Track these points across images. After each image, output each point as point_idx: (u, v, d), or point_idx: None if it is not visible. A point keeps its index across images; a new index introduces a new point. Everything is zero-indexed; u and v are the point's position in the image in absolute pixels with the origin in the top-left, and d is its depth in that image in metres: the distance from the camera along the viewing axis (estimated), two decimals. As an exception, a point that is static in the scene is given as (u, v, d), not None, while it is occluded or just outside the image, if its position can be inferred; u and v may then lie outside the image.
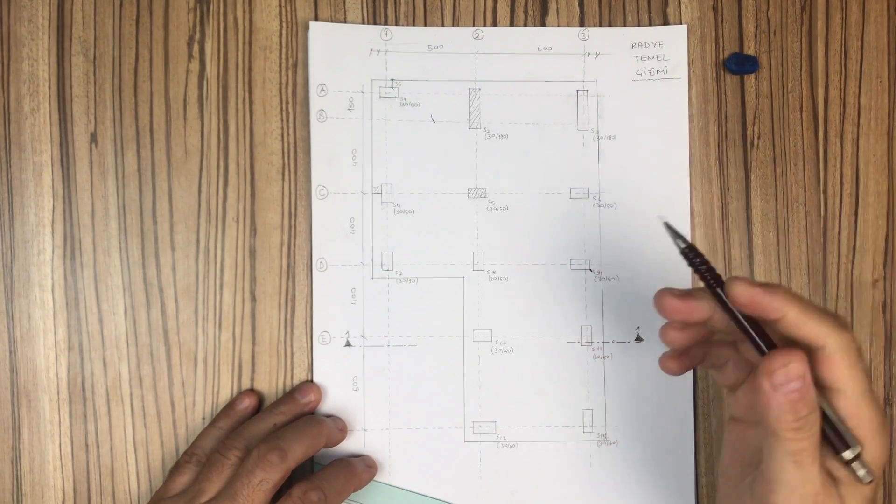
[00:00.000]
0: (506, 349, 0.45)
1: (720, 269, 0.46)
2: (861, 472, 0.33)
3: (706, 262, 0.35)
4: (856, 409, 0.33)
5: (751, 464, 0.37)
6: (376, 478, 0.45)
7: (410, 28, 0.46)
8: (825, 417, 0.33)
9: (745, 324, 0.34)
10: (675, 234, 0.36)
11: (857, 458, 0.33)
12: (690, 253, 0.35)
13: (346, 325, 0.45)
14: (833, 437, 0.33)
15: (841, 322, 0.33)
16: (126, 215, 0.45)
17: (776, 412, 0.31)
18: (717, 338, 0.38)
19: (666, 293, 0.36)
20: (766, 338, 0.34)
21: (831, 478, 0.33)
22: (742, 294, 0.33)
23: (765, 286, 0.33)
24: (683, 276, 0.46)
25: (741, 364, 0.37)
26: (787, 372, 0.31)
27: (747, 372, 0.37)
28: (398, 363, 0.45)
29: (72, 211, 0.45)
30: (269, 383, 0.45)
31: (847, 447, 0.32)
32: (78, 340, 0.45)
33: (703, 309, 0.35)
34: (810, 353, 0.33)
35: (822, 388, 0.33)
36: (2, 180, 0.45)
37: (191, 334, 0.45)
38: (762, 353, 0.34)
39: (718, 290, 0.34)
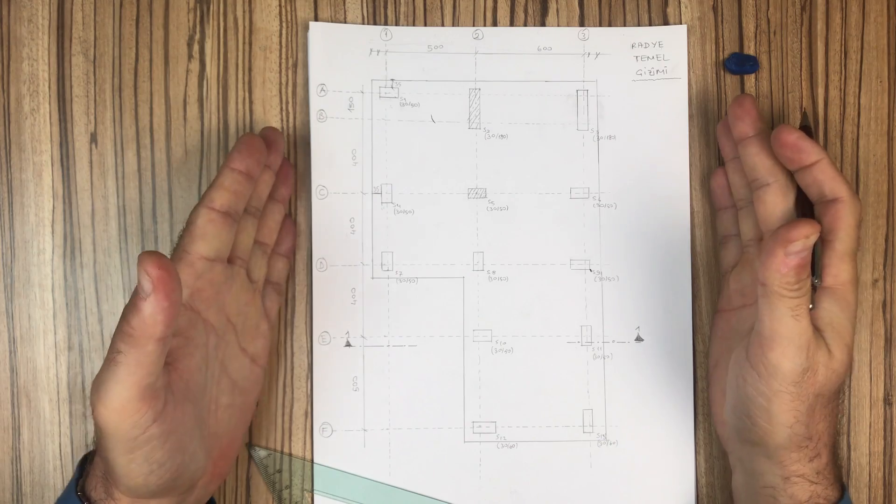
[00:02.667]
0: (506, 349, 0.45)
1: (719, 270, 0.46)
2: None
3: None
4: (838, 264, 0.37)
5: (730, 349, 0.41)
6: (376, 477, 0.45)
7: (410, 28, 0.46)
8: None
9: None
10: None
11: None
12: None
13: (346, 326, 0.45)
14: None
15: (854, 192, 0.38)
16: (126, 215, 0.45)
17: (783, 275, 0.35)
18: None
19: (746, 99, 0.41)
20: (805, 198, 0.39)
21: (818, 330, 0.37)
22: (787, 136, 0.38)
23: (801, 133, 0.38)
24: (684, 276, 0.46)
25: (739, 246, 0.43)
26: (806, 243, 0.35)
27: (739, 255, 0.43)
28: (398, 363, 0.45)
29: (72, 211, 0.45)
30: (269, 383, 0.45)
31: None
32: (78, 340, 0.45)
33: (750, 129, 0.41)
34: (824, 205, 0.38)
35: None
36: (2, 180, 0.45)
37: (191, 334, 0.45)
38: (799, 211, 0.39)
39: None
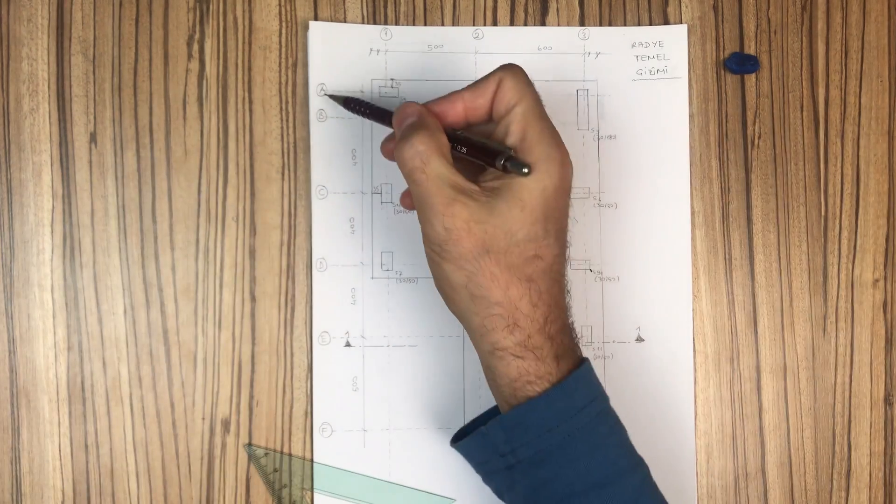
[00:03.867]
0: (506, 349, 0.45)
1: (720, 270, 0.46)
2: (510, 163, 0.35)
3: (366, 105, 0.42)
4: (522, 122, 0.36)
5: None
6: (375, 476, 0.45)
7: (410, 28, 0.46)
8: (474, 146, 0.37)
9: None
10: (337, 99, 0.43)
11: (509, 158, 0.36)
12: (354, 104, 0.42)
13: (346, 326, 0.45)
14: (476, 154, 0.37)
15: (510, 65, 0.38)
16: (126, 215, 0.45)
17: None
18: None
19: (386, 142, 0.42)
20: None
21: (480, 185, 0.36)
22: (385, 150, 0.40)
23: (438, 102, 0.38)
24: (684, 276, 0.46)
25: None
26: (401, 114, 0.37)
27: None
28: (398, 363, 0.45)
29: (71, 211, 0.45)
30: (269, 383, 0.45)
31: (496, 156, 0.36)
32: (77, 340, 0.44)
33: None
34: (502, 119, 0.37)
35: (500, 132, 0.37)
36: (2, 180, 0.45)
37: (190, 334, 0.45)
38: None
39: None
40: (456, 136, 0.38)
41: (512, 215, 0.35)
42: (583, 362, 0.37)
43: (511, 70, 0.37)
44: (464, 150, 0.37)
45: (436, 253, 0.36)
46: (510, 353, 0.36)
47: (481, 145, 0.37)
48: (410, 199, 0.39)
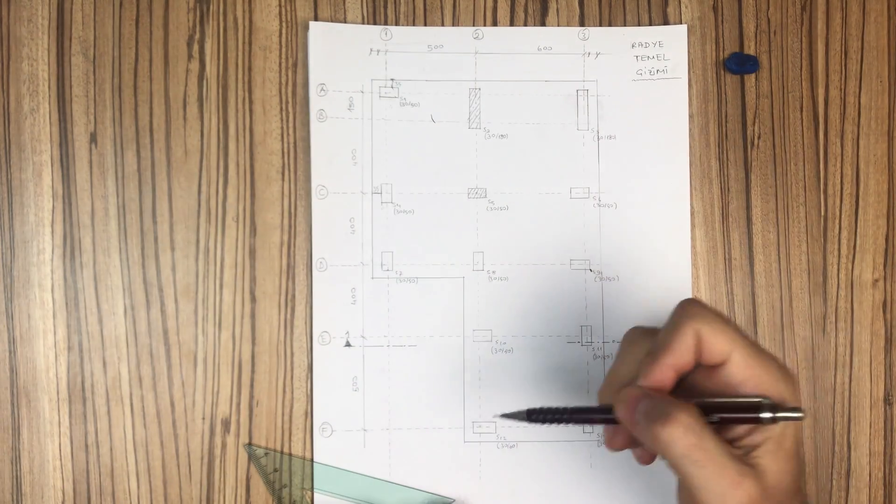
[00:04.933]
0: (506, 349, 0.45)
1: (720, 270, 0.46)
2: (780, 414, 0.32)
3: (558, 412, 0.36)
4: (748, 368, 0.33)
5: None
6: (375, 476, 0.45)
7: (410, 28, 0.46)
8: (718, 409, 0.33)
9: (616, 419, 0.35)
10: (515, 416, 0.36)
11: (771, 407, 0.32)
12: (538, 415, 0.36)
13: (346, 326, 0.45)
14: (736, 415, 0.33)
15: (694, 307, 0.34)
16: (126, 215, 0.45)
17: (640, 430, 0.32)
18: None
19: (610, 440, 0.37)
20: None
21: (739, 459, 0.33)
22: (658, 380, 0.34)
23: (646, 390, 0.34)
24: (684, 276, 0.45)
25: None
26: (623, 398, 0.33)
27: None
28: (398, 363, 0.45)
29: (71, 211, 0.45)
30: (269, 383, 0.45)
31: (756, 411, 0.32)
32: (78, 340, 0.44)
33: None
34: (723, 368, 0.33)
35: (724, 382, 0.33)
36: (2, 180, 0.45)
37: (191, 334, 0.45)
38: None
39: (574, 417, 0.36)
40: (704, 404, 0.33)
41: (783, 469, 0.33)
42: None
43: (702, 316, 0.33)
44: (717, 417, 0.33)
45: None
46: None
47: (735, 406, 0.33)
48: (622, 442, 0.37)
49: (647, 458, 0.37)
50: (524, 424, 0.44)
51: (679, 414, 0.32)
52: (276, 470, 0.45)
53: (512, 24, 0.46)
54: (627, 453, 0.45)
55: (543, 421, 0.36)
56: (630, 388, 0.34)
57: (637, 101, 0.46)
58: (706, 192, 0.46)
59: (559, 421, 0.36)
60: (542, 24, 0.46)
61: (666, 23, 0.46)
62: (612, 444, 0.37)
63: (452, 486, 0.45)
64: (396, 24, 0.46)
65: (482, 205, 0.46)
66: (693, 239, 0.46)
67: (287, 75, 0.45)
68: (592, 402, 0.45)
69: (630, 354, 0.36)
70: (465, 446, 0.45)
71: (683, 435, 0.32)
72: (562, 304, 0.45)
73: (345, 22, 0.46)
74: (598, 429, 0.45)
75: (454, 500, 0.45)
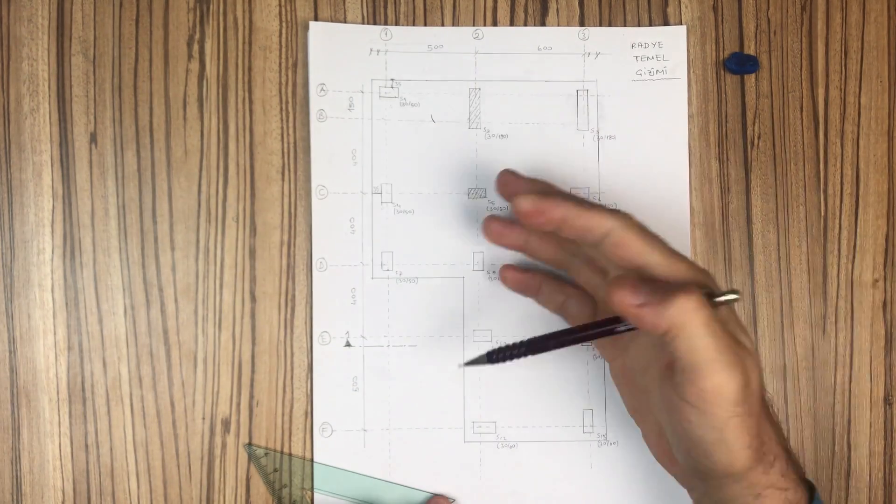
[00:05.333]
0: (506, 349, 0.45)
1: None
2: (720, 298, 0.35)
3: (514, 346, 0.38)
4: (669, 267, 0.35)
5: (649, 384, 0.39)
6: (375, 476, 0.45)
7: (410, 28, 0.46)
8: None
9: (577, 332, 0.38)
10: (476, 361, 0.39)
11: (720, 294, 0.35)
12: (498, 354, 0.38)
13: (346, 326, 0.45)
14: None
15: (615, 210, 0.36)
16: (126, 215, 0.45)
17: (657, 316, 0.33)
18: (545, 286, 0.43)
19: (491, 220, 0.42)
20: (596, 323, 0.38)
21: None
22: (526, 205, 0.37)
23: (540, 196, 0.37)
24: (683, 276, 0.45)
25: (584, 300, 0.42)
26: (626, 289, 0.33)
27: (593, 307, 0.42)
28: (398, 363, 0.45)
29: (71, 211, 0.45)
30: (269, 383, 0.45)
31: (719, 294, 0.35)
32: (78, 340, 0.45)
33: (519, 237, 0.41)
34: (605, 244, 0.36)
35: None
36: (2, 180, 0.45)
37: (191, 334, 0.45)
38: (601, 333, 0.37)
39: (541, 345, 0.38)
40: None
41: (752, 346, 0.35)
42: (811, 484, 0.37)
43: (621, 216, 0.36)
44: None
45: (724, 415, 0.33)
46: (776, 487, 0.36)
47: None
48: (516, 277, 0.43)
49: (516, 284, 0.43)
50: (521, 421, 0.45)
51: (693, 288, 0.33)
52: (276, 470, 0.45)
53: (512, 24, 0.46)
54: (619, 463, 0.45)
55: (504, 359, 0.38)
56: (623, 275, 0.35)
57: (637, 102, 0.46)
58: (706, 192, 0.46)
59: (519, 355, 0.38)
60: (542, 24, 0.46)
61: (666, 23, 0.46)
62: (499, 238, 0.42)
63: (452, 486, 0.45)
64: (396, 24, 0.46)
65: (482, 205, 0.46)
66: (693, 239, 0.46)
67: (287, 75, 0.45)
68: (592, 402, 0.45)
69: None
70: (465, 446, 0.45)
71: (701, 307, 0.33)
72: (562, 304, 0.45)
73: (345, 22, 0.46)
74: (599, 429, 0.45)
75: (454, 500, 0.45)
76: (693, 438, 0.35)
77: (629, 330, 0.37)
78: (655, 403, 0.39)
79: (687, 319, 0.32)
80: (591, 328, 0.38)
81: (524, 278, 0.43)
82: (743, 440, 0.34)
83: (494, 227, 0.42)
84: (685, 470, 0.38)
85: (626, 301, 0.33)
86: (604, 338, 0.39)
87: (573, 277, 0.42)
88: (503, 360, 0.38)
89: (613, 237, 0.36)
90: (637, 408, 0.42)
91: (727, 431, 0.34)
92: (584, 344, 0.45)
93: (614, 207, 0.36)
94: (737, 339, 0.34)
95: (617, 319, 0.37)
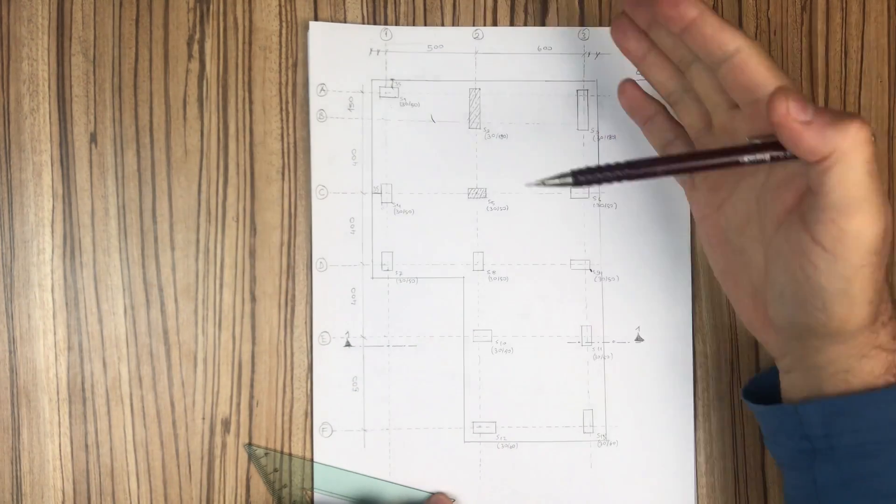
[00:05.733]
0: (506, 349, 0.45)
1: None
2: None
3: (604, 167, 0.32)
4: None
5: (746, 240, 0.37)
6: (375, 476, 0.45)
7: (410, 28, 0.46)
8: None
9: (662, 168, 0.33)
10: (558, 179, 0.33)
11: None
12: (584, 176, 0.32)
13: (346, 326, 0.45)
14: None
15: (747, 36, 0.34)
16: (126, 215, 0.45)
17: (826, 139, 0.30)
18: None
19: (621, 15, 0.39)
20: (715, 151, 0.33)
21: None
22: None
23: None
24: (684, 276, 0.45)
25: (685, 144, 0.40)
26: (797, 102, 0.30)
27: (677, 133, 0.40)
28: (398, 363, 0.45)
29: (71, 211, 0.45)
30: (269, 383, 0.45)
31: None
32: (78, 340, 0.45)
33: (641, 44, 0.40)
34: (728, 62, 0.34)
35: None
36: (2, 180, 0.45)
37: (191, 334, 0.45)
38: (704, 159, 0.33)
39: (634, 171, 0.33)
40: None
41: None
42: None
43: (751, 40, 0.34)
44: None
45: (858, 261, 0.31)
46: (883, 348, 0.34)
47: None
48: (635, 94, 0.41)
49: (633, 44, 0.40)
50: (521, 421, 0.45)
51: (864, 120, 0.30)
52: (276, 470, 0.45)
53: (512, 24, 0.46)
54: (619, 463, 0.45)
55: (594, 181, 0.32)
56: (787, 86, 0.31)
57: (637, 101, 0.46)
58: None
59: (613, 178, 0.32)
60: (542, 24, 0.46)
61: (666, 23, 0.46)
62: (623, 36, 0.40)
63: (452, 486, 0.45)
64: (396, 24, 0.46)
65: (482, 205, 0.46)
66: (693, 239, 0.46)
67: (287, 75, 0.45)
68: (592, 402, 0.45)
69: None
70: (465, 446, 0.45)
71: (870, 142, 0.30)
72: (562, 304, 0.45)
73: (345, 22, 0.46)
74: (599, 429, 0.45)
75: (454, 500, 0.45)
76: (814, 288, 0.32)
77: (757, 163, 0.32)
78: (753, 262, 0.37)
79: (853, 149, 0.30)
80: (713, 156, 0.32)
81: (642, 98, 0.42)
82: (867, 294, 0.32)
83: (620, 23, 0.39)
84: (782, 331, 0.36)
85: (792, 115, 0.30)
86: (701, 189, 0.38)
87: (678, 115, 0.40)
88: (593, 182, 0.32)
89: (740, 57, 0.34)
90: (728, 269, 0.39)
91: (855, 281, 0.31)
92: (585, 343, 0.45)
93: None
94: (882, 187, 0.32)
95: (743, 149, 0.32)
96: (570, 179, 0.32)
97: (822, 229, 0.31)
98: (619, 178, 0.32)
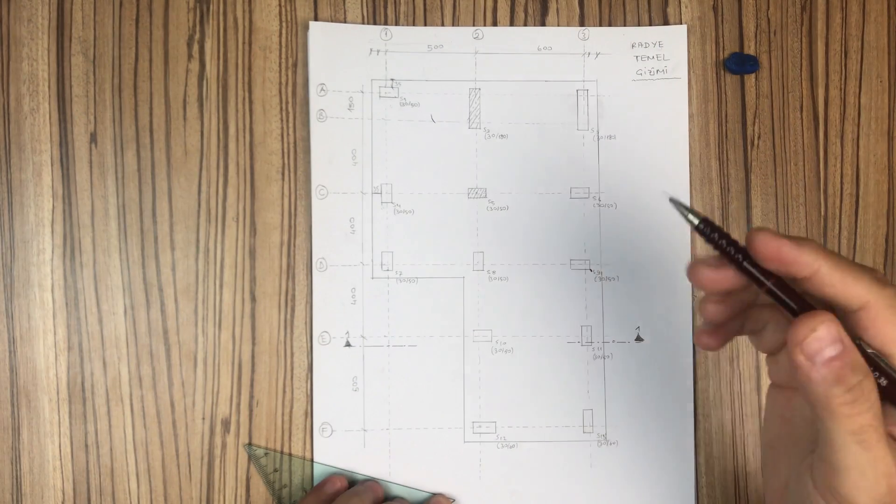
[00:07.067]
0: (506, 349, 0.45)
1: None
2: None
3: (724, 233, 0.31)
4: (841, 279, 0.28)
5: (803, 436, 0.32)
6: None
7: (410, 28, 0.46)
8: (882, 373, 0.29)
9: (770, 285, 0.30)
10: (686, 210, 0.32)
11: None
12: (706, 228, 0.31)
13: (346, 326, 0.45)
14: None
15: (881, 277, 0.29)
16: (126, 215, 0.45)
17: (821, 387, 0.27)
18: (758, 301, 0.34)
19: (700, 265, 0.32)
20: (798, 299, 0.30)
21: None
22: (766, 246, 0.29)
23: (792, 238, 0.29)
24: (684, 276, 0.45)
25: (782, 325, 0.33)
26: (819, 338, 0.27)
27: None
28: (398, 363, 0.45)
29: (71, 211, 0.45)
30: (269, 383, 0.45)
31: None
32: (78, 340, 0.45)
33: (738, 277, 0.31)
34: (852, 316, 0.29)
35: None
36: (2, 180, 0.45)
37: (191, 334, 0.45)
38: (794, 314, 0.29)
39: (739, 258, 0.30)
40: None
41: None
42: None
43: (886, 291, 0.28)
44: (883, 380, 0.28)
45: None
46: None
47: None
48: (714, 339, 0.33)
49: (718, 342, 0.33)
50: (521, 421, 0.45)
51: (871, 382, 0.27)
52: (276, 470, 0.45)
53: (512, 24, 0.46)
54: (619, 463, 0.45)
55: (711, 240, 0.31)
56: (831, 322, 0.27)
57: (637, 101, 0.46)
58: (706, 192, 0.46)
59: (727, 252, 0.31)
60: (542, 24, 0.46)
61: (666, 23, 0.46)
62: (708, 342, 0.33)
63: (452, 486, 0.45)
64: (396, 24, 0.46)
65: (482, 205, 0.46)
66: (693, 239, 0.46)
67: (287, 75, 0.45)
68: (592, 402, 0.45)
69: None
70: (465, 446, 0.45)
71: (868, 410, 0.27)
72: (562, 304, 0.45)
73: (345, 22, 0.46)
74: (599, 429, 0.45)
75: (454, 500, 0.45)
76: None
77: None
78: (796, 456, 0.33)
79: (847, 420, 0.28)
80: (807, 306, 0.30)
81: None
82: None
83: (706, 275, 0.32)
84: None
85: (811, 348, 0.27)
86: (782, 359, 0.34)
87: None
88: (710, 240, 0.31)
89: (868, 313, 0.29)
90: (776, 446, 0.34)
91: None
92: (585, 343, 0.45)
93: (869, 268, 0.29)
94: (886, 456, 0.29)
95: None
96: (695, 221, 0.31)
97: (818, 477, 0.29)
98: (729, 254, 0.31)
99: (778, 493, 0.34)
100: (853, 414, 0.27)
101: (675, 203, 0.32)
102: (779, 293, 0.30)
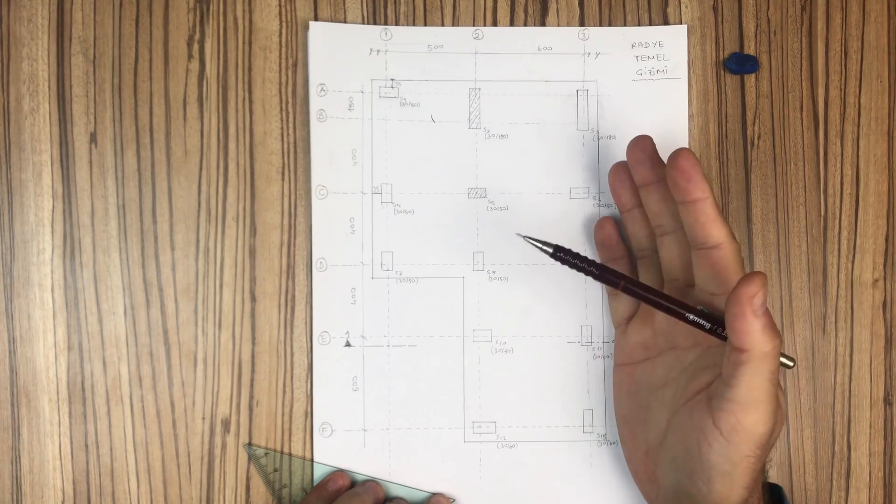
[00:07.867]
0: (506, 349, 0.45)
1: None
2: (786, 361, 0.37)
3: (575, 254, 0.38)
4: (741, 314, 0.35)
5: (649, 404, 0.41)
6: (375, 476, 0.45)
7: (410, 28, 0.46)
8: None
9: (624, 283, 0.38)
10: (538, 242, 0.38)
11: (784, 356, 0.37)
12: (559, 253, 0.38)
13: (346, 325, 0.45)
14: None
15: (730, 230, 0.38)
16: (126, 215, 0.45)
17: (760, 336, 0.33)
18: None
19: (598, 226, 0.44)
20: (648, 288, 0.38)
21: None
22: (686, 160, 0.37)
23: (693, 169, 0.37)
24: (683, 276, 0.45)
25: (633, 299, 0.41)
26: (763, 296, 0.33)
27: (636, 307, 0.42)
28: (398, 363, 0.45)
29: (71, 211, 0.45)
30: (269, 383, 0.45)
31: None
32: (78, 340, 0.45)
33: (633, 197, 0.43)
34: (700, 252, 0.38)
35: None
36: (2, 180, 0.45)
37: (190, 334, 0.45)
38: (645, 300, 0.38)
39: (594, 271, 0.38)
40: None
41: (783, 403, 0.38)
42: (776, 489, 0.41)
43: (735, 244, 0.38)
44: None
45: (745, 451, 0.35)
46: None
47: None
48: (611, 234, 0.44)
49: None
50: (521, 421, 0.45)
51: (780, 338, 0.34)
52: (276, 470, 0.45)
53: (512, 24, 0.46)
54: (619, 463, 0.45)
55: (566, 262, 0.38)
56: (761, 277, 0.33)
57: (637, 101, 0.46)
58: (706, 192, 0.46)
59: (583, 269, 0.38)
60: (542, 24, 0.46)
61: (666, 23, 0.46)
62: (621, 183, 0.42)
63: (452, 485, 0.45)
64: (396, 24, 0.46)
65: (482, 205, 0.46)
66: (693, 239, 0.46)
67: (287, 75, 0.45)
68: (592, 402, 0.45)
69: None
70: (465, 446, 0.45)
71: (777, 355, 0.34)
72: (562, 304, 0.45)
73: (345, 22, 0.46)
74: (599, 429, 0.45)
75: (454, 500, 0.45)
76: (703, 464, 0.36)
77: (696, 325, 0.37)
78: (655, 421, 0.40)
79: (767, 356, 0.34)
80: (670, 301, 0.37)
81: (616, 240, 0.44)
82: (746, 479, 0.36)
83: (620, 171, 0.43)
84: (666, 491, 0.39)
85: (754, 301, 0.33)
86: (630, 339, 0.42)
87: (639, 269, 0.43)
88: (565, 262, 0.38)
89: (719, 252, 0.37)
90: (629, 418, 0.42)
91: (740, 467, 0.35)
92: (585, 343, 0.45)
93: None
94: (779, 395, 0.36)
95: (692, 309, 0.37)
96: (549, 250, 0.38)
97: (723, 417, 0.35)
98: (586, 271, 0.38)
99: (639, 460, 0.41)
100: (775, 356, 0.34)
101: (526, 239, 0.38)
102: (635, 289, 0.38)
